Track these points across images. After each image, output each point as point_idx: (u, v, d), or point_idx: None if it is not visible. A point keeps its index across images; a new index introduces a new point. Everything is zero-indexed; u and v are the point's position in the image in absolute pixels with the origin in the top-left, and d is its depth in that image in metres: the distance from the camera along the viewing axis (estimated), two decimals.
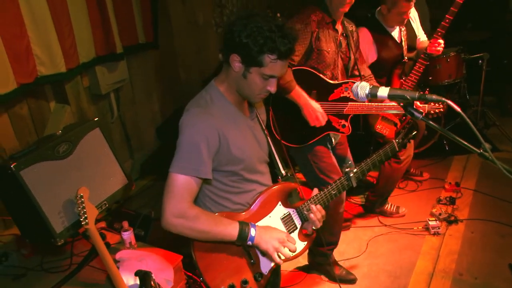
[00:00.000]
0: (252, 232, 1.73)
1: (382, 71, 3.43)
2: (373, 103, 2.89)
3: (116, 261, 2.67)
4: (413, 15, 3.69)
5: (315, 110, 2.73)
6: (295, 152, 2.96)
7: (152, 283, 2.51)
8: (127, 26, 4.15)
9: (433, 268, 3.25)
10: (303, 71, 2.74)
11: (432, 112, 2.99)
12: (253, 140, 1.86)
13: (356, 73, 3.01)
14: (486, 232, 3.59)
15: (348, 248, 3.55)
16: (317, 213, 1.91)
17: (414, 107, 1.44)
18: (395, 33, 3.46)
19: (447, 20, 3.15)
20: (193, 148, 1.65)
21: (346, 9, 2.75)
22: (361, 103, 2.84)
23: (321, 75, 2.80)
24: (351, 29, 2.95)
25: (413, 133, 2.22)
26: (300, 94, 2.70)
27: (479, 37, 5.47)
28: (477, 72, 4.85)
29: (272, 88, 1.72)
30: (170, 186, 1.66)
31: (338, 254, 3.36)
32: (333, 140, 3.04)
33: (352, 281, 3.18)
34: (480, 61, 4.77)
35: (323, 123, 2.77)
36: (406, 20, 3.39)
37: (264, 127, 1.98)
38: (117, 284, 2.32)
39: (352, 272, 3.23)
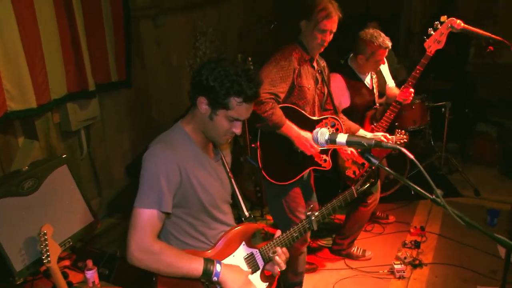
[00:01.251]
0: (218, 268, 1.75)
1: (354, 116, 3.51)
2: None
3: None
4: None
5: (308, 140, 2.77)
6: (268, 188, 2.99)
7: None
8: (100, 64, 4.18)
9: None
10: (286, 108, 2.79)
11: (398, 142, 3.13)
12: (216, 180, 1.91)
13: (328, 107, 3.10)
14: (449, 276, 3.65)
15: None
16: (282, 255, 1.95)
17: (371, 153, 1.51)
18: (367, 80, 3.59)
19: (417, 71, 3.29)
20: (154, 182, 1.68)
21: (321, 50, 2.87)
22: None
23: (303, 111, 2.87)
24: (323, 64, 3.05)
25: (371, 181, 2.32)
26: (291, 128, 2.75)
27: (442, 86, 5.74)
28: (440, 119, 5.05)
29: (237, 130, 1.78)
30: (134, 221, 1.68)
31: None
32: (305, 177, 3.09)
33: None
34: (443, 109, 4.98)
35: (315, 152, 2.82)
36: (379, 67, 3.55)
37: (228, 169, 2.02)
38: None
39: None
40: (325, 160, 2.99)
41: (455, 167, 5.32)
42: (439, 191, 1.37)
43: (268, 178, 2.85)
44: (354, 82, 3.52)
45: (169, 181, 1.69)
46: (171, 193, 1.71)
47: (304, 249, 3.08)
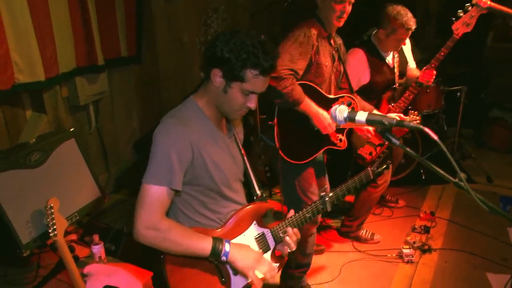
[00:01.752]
0: (227, 247, 1.70)
1: (372, 95, 3.46)
2: None
3: (84, 275, 2.60)
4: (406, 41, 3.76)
5: (326, 118, 2.72)
6: (282, 167, 2.90)
7: None
8: (109, 39, 4.11)
9: None
10: (304, 86, 2.72)
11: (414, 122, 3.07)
12: (229, 157, 1.85)
13: (344, 86, 3.03)
14: (459, 262, 3.60)
15: (321, 272, 3.52)
16: (293, 236, 1.91)
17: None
18: (389, 58, 3.51)
19: (442, 53, 3.20)
20: (165, 159, 1.63)
21: (341, 24, 2.77)
22: None
23: (319, 89, 2.80)
24: (339, 42, 2.96)
25: (388, 163, 2.26)
26: (309, 105, 2.70)
27: (459, 70, 5.61)
28: (455, 104, 4.95)
29: (252, 105, 1.72)
30: (142, 197, 1.63)
31: (310, 277, 3.33)
32: (318, 157, 3.02)
33: None
34: (458, 94, 4.88)
35: (332, 131, 2.77)
36: (400, 47, 3.45)
37: (241, 147, 1.97)
38: None
39: None
40: (341, 140, 2.93)
41: (468, 153, 5.25)
42: (462, 175, 1.30)
43: (284, 157, 2.79)
44: (375, 59, 3.44)
45: (181, 158, 1.64)
46: (182, 171, 1.66)
47: (314, 230, 3.04)
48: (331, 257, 3.73)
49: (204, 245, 1.68)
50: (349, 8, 2.71)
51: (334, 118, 1.57)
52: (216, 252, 1.69)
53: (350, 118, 1.52)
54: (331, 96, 2.85)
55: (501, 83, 6.10)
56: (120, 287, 2.48)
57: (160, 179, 1.62)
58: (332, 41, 2.85)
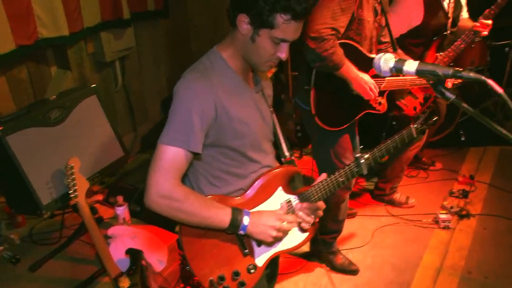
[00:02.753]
0: (245, 220, 1.56)
1: (422, 39, 3.23)
2: (407, 77, 2.70)
3: (107, 237, 2.56)
4: None
5: (367, 82, 2.52)
6: (315, 132, 2.75)
7: (143, 262, 2.40)
8: None
9: (441, 263, 3.09)
10: (344, 45, 2.48)
11: (455, 82, 2.92)
12: (258, 114, 1.68)
13: (384, 39, 2.77)
14: (499, 229, 3.41)
15: (353, 237, 3.41)
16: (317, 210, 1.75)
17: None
18: (445, 2, 3.24)
19: None
20: (185, 118, 1.47)
21: None
22: (396, 78, 2.68)
23: (361, 49, 2.56)
24: None
25: (434, 119, 2.03)
26: (350, 69, 2.48)
27: (508, 23, 5.20)
28: (501, 60, 4.60)
29: (283, 55, 1.53)
30: (157, 159, 1.48)
31: (341, 242, 3.23)
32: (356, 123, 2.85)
33: (354, 272, 3.04)
34: (506, 49, 4.52)
35: (377, 94, 2.58)
36: None
37: (269, 103, 1.80)
38: (105, 262, 2.20)
39: (355, 263, 3.08)
40: (380, 103, 2.72)
41: None
42: None
43: (321, 123, 2.60)
44: (431, 0, 3.18)
45: (202, 117, 1.48)
46: (203, 131, 1.51)
47: (347, 196, 2.89)
48: (363, 221, 3.60)
49: (222, 217, 1.54)
50: None
51: (377, 68, 1.36)
52: (235, 225, 1.55)
53: (397, 68, 1.31)
54: (373, 55, 2.61)
55: None
56: (144, 250, 2.43)
57: (178, 139, 1.48)
58: None
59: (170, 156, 1.48)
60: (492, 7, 3.01)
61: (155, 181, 1.47)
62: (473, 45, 4.14)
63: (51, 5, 3.17)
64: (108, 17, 3.73)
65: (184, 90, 1.50)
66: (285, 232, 1.68)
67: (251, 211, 1.62)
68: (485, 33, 3.08)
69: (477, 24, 3.07)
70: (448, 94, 1.23)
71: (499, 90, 1.12)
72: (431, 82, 1.25)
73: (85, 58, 3.74)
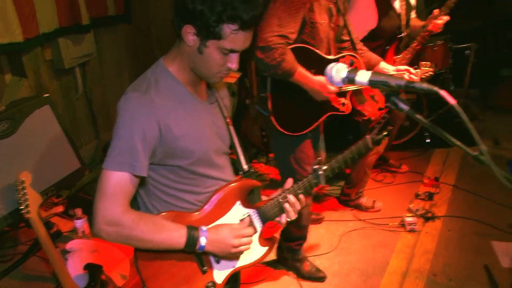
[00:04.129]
0: (203, 240, 1.49)
1: (379, 42, 3.25)
2: None
3: (65, 252, 2.47)
4: None
5: (323, 84, 2.46)
6: (275, 137, 2.71)
7: (103, 277, 2.32)
8: None
9: (407, 267, 3.10)
10: (298, 49, 2.43)
11: (423, 76, 2.93)
12: (211, 127, 1.61)
13: (345, 38, 2.74)
14: (464, 230, 3.45)
15: (320, 243, 3.38)
16: (296, 203, 1.70)
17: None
18: (396, 4, 3.28)
19: (453, 0, 3.05)
20: (126, 141, 1.39)
21: None
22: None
23: (316, 51, 2.51)
24: None
25: (389, 129, 2.02)
26: (303, 75, 2.43)
27: (468, 26, 5.30)
28: (463, 63, 4.68)
29: (234, 65, 1.46)
30: (102, 186, 1.39)
31: (308, 249, 3.20)
32: (319, 127, 2.82)
33: (321, 278, 3.01)
34: (467, 52, 4.60)
35: (334, 93, 2.54)
36: None
37: (225, 114, 1.73)
38: (62, 279, 2.11)
39: (323, 269, 3.06)
40: (344, 104, 2.68)
41: (475, 115, 5.01)
42: (483, 147, 1.10)
43: (280, 129, 2.55)
44: (383, 3, 3.21)
45: (145, 139, 1.40)
46: (146, 154, 1.42)
47: (309, 201, 2.86)
48: (330, 226, 3.58)
49: (177, 239, 1.46)
50: None
51: (330, 78, 1.32)
52: (191, 245, 1.48)
53: (350, 79, 1.27)
54: (330, 57, 2.58)
55: None
56: (105, 264, 2.34)
57: (121, 163, 1.39)
58: None
59: (115, 182, 1.39)
60: (442, 8, 3.07)
61: (101, 208, 1.38)
62: (435, 48, 4.22)
63: (3, 10, 3.05)
64: (66, 22, 3.62)
65: (124, 111, 1.41)
66: (246, 247, 1.63)
67: (208, 227, 1.56)
68: (440, 29, 3.16)
69: (429, 24, 3.12)
70: (401, 105, 1.20)
71: (452, 101, 1.10)
72: (384, 92, 1.22)
73: (42, 65, 3.61)
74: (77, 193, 3.26)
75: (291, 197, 1.69)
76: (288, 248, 2.98)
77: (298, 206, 1.72)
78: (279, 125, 2.54)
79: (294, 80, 2.42)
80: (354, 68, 1.29)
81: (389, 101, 1.23)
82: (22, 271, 2.34)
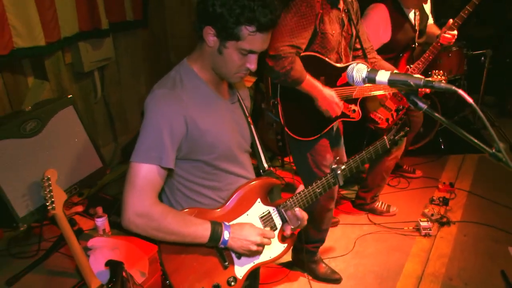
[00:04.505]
0: (226, 235, 1.54)
1: (392, 54, 3.28)
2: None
3: (87, 249, 2.52)
4: None
5: (332, 97, 2.53)
6: (291, 142, 2.74)
7: (124, 274, 2.36)
8: (114, 2, 3.94)
9: (422, 271, 3.10)
10: (308, 58, 2.50)
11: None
12: (233, 125, 1.66)
13: (358, 46, 2.78)
14: (479, 236, 3.44)
15: (335, 246, 3.39)
16: (293, 219, 1.73)
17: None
18: (411, 16, 3.31)
19: (466, 11, 3.03)
20: (155, 135, 1.44)
21: None
22: (368, 85, 2.68)
23: (327, 59, 2.57)
24: (349, 0, 2.68)
25: (405, 130, 2.05)
26: (312, 84, 2.48)
27: (483, 33, 5.32)
28: (478, 69, 4.69)
29: (252, 66, 1.51)
30: (131, 178, 1.44)
31: (323, 251, 3.21)
32: (334, 129, 2.84)
33: (337, 280, 3.03)
34: (482, 58, 4.61)
35: (339, 112, 2.58)
36: (422, 4, 3.29)
37: (247, 114, 1.78)
38: (85, 274, 2.17)
39: (338, 271, 3.07)
40: (354, 111, 2.73)
41: (490, 121, 5.00)
42: (501, 145, 1.12)
43: (292, 134, 2.61)
44: (397, 15, 3.25)
45: (173, 134, 1.46)
46: (174, 147, 1.48)
47: (332, 206, 2.88)
48: (345, 230, 3.60)
49: (201, 233, 1.52)
50: None
51: (351, 78, 1.36)
52: (214, 239, 1.53)
53: (370, 79, 1.31)
54: (340, 65, 2.62)
55: None
56: (125, 261, 2.39)
57: (150, 157, 1.44)
58: (340, 4, 2.57)
59: (144, 174, 1.44)
60: (456, 19, 3.07)
61: (131, 201, 1.43)
62: (450, 54, 4.24)
63: (26, 15, 3.12)
64: (86, 27, 3.70)
65: (152, 107, 1.47)
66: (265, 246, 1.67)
67: (230, 223, 1.60)
68: (451, 43, 3.17)
69: (442, 36, 3.13)
70: (420, 104, 1.24)
71: (470, 100, 1.13)
72: (403, 92, 1.26)
73: (62, 69, 3.69)
74: (97, 193, 3.32)
75: (289, 213, 1.73)
76: (306, 250, 3.00)
77: (303, 218, 1.73)
78: (289, 130, 2.60)
79: (303, 88, 2.49)
80: (373, 69, 1.33)
81: (408, 100, 1.26)
82: (45, 267, 2.39)
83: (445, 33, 3.12)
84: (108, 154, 4.26)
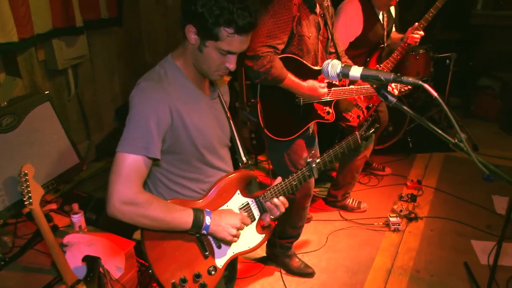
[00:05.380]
0: (207, 220, 1.60)
1: (363, 50, 3.41)
2: (353, 87, 2.82)
3: (63, 245, 2.51)
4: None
5: (314, 85, 2.59)
6: (270, 141, 2.78)
7: (100, 269, 2.37)
8: None
9: (391, 264, 3.23)
10: (286, 59, 2.54)
11: (402, 90, 3.09)
12: (213, 120, 1.72)
13: (332, 50, 2.87)
14: (444, 230, 3.60)
15: (308, 241, 3.48)
16: (280, 205, 1.80)
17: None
18: (380, 17, 3.46)
19: (430, 14, 3.21)
20: (142, 125, 1.49)
21: None
22: (342, 88, 2.79)
23: (303, 61, 2.63)
24: (326, 4, 2.74)
25: (376, 126, 2.16)
26: (293, 80, 2.54)
27: (448, 37, 5.52)
28: (443, 72, 4.87)
29: (231, 65, 1.57)
30: (117, 167, 1.48)
31: (297, 246, 3.29)
32: (310, 130, 2.90)
33: (310, 274, 3.12)
34: (447, 61, 4.79)
35: (325, 93, 2.65)
36: (390, 6, 3.44)
37: (226, 109, 1.84)
38: (62, 270, 2.17)
39: (311, 265, 3.16)
40: (328, 112, 2.81)
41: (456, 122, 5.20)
42: (463, 135, 1.22)
43: (270, 135, 2.67)
44: (369, 12, 3.37)
45: (159, 124, 1.51)
46: (160, 137, 1.53)
47: (307, 204, 2.97)
48: (318, 226, 3.69)
49: (184, 219, 1.57)
50: None
51: (325, 74, 1.44)
52: (197, 225, 1.59)
53: (344, 73, 1.40)
54: (317, 68, 2.70)
55: (489, 51, 6.02)
56: (101, 257, 2.40)
57: (136, 147, 1.49)
58: (317, 8, 2.64)
59: (130, 164, 1.48)
60: (421, 21, 3.25)
61: (117, 189, 1.47)
62: (417, 57, 4.40)
63: None
64: (60, 24, 3.67)
65: (139, 99, 1.52)
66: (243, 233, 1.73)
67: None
68: (417, 43, 3.34)
69: (410, 36, 3.29)
70: (390, 97, 1.33)
71: (434, 93, 1.23)
72: (374, 86, 1.35)
73: (36, 65, 3.65)
74: (72, 190, 3.30)
75: (275, 200, 1.80)
76: (280, 244, 3.07)
77: (285, 205, 1.82)
78: (267, 130, 2.65)
79: (284, 86, 2.54)
80: (347, 64, 1.42)
81: (379, 94, 1.35)
82: (20, 264, 2.38)
83: (412, 33, 3.26)
84: (82, 152, 4.23)
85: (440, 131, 1.31)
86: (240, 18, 1.45)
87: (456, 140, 1.26)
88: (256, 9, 1.51)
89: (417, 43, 3.32)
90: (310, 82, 2.61)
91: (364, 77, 1.34)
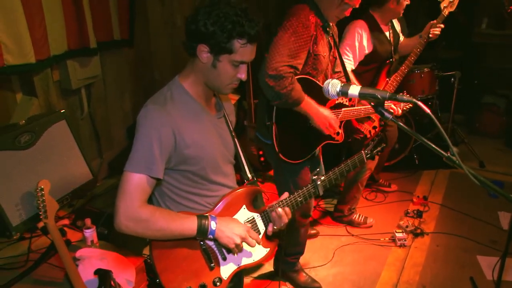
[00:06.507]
0: (213, 225, 1.68)
1: (373, 65, 3.53)
2: (361, 107, 2.89)
3: (76, 259, 2.59)
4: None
5: (327, 118, 2.62)
6: (278, 162, 2.77)
7: (112, 282, 2.44)
8: (102, 22, 4.06)
9: (397, 279, 3.26)
10: (301, 80, 2.53)
11: (405, 108, 3.13)
12: (217, 137, 1.80)
13: (337, 69, 2.92)
14: (450, 246, 3.63)
15: (315, 256, 3.53)
16: (284, 216, 1.86)
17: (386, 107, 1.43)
18: (386, 33, 3.59)
19: (446, 12, 3.36)
20: (146, 146, 1.59)
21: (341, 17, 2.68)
22: (352, 108, 2.85)
23: (316, 81, 2.64)
24: (331, 24, 2.76)
25: (382, 146, 2.23)
26: (309, 104, 2.55)
27: (452, 56, 5.61)
28: (449, 89, 4.94)
29: (243, 75, 1.67)
30: (123, 185, 1.59)
31: (304, 261, 3.35)
32: (316, 151, 2.90)
33: None
34: (452, 79, 4.86)
35: (337, 129, 2.69)
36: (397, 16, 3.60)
37: (232, 128, 1.93)
38: (75, 283, 2.24)
39: (318, 280, 3.20)
40: (338, 133, 2.82)
41: (461, 139, 5.26)
42: (455, 149, 1.30)
43: (283, 157, 2.66)
44: (376, 29, 3.52)
45: (162, 146, 1.60)
46: (163, 158, 1.62)
47: (306, 222, 3.02)
48: (324, 241, 3.74)
49: (189, 225, 1.65)
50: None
51: (326, 92, 1.54)
52: (202, 230, 1.66)
53: (343, 92, 1.50)
54: None
55: (493, 69, 6.10)
56: (113, 271, 2.46)
57: (140, 167, 1.59)
58: (328, 28, 2.67)
59: (134, 182, 1.59)
60: (437, 19, 3.39)
61: (122, 205, 1.57)
62: (422, 75, 4.48)
63: (17, 33, 3.20)
64: (75, 45, 3.80)
65: (144, 120, 1.62)
66: (247, 245, 1.79)
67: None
68: (437, 33, 3.43)
69: (431, 30, 3.39)
70: (386, 114, 1.41)
71: (427, 110, 1.31)
72: (372, 103, 1.44)
73: (51, 85, 3.78)
74: (84, 206, 3.38)
75: (279, 210, 1.86)
76: (285, 261, 3.12)
77: (288, 216, 1.88)
78: (281, 153, 2.65)
79: (300, 109, 2.55)
80: (347, 83, 1.51)
81: (376, 111, 1.44)
82: (33, 278, 2.45)
83: (432, 27, 3.38)
84: (94, 169, 4.33)
85: (434, 146, 1.38)
86: (250, 29, 1.56)
87: (448, 154, 1.34)
88: (259, 20, 1.61)
89: (437, 36, 3.42)
90: (327, 112, 2.64)
91: (362, 95, 1.44)
